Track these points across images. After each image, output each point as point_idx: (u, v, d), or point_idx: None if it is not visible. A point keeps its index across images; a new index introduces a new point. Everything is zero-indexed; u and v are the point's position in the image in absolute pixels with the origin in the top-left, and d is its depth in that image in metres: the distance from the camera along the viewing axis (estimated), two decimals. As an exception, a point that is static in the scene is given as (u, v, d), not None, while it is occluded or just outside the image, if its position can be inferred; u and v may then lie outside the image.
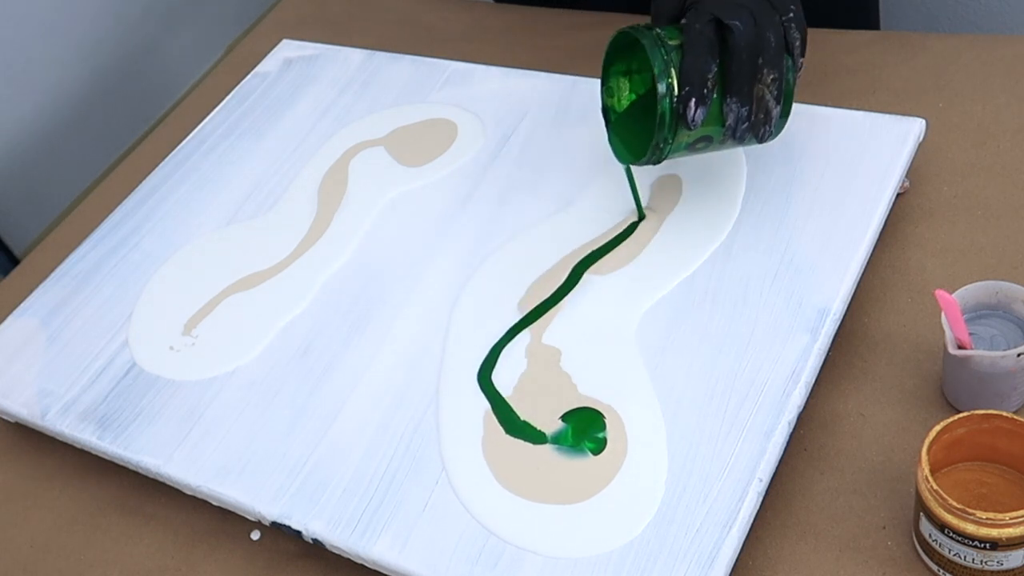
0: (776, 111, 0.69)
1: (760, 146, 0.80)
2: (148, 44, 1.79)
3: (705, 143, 0.71)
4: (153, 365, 0.80)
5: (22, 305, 0.88)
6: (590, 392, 0.70)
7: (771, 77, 0.67)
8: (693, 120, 0.68)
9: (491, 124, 0.91)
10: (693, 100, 0.67)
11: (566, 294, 0.76)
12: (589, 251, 0.78)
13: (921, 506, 0.59)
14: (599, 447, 0.67)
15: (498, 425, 0.70)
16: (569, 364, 0.72)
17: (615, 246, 0.78)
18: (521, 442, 0.68)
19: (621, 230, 0.79)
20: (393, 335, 0.77)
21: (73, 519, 0.79)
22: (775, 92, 0.68)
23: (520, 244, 0.80)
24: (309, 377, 0.76)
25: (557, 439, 0.68)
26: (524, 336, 0.74)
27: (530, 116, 0.90)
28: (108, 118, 1.73)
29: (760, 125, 0.69)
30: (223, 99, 1.03)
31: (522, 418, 0.70)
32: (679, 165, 0.82)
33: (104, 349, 0.82)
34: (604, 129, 0.77)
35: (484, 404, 0.71)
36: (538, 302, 0.76)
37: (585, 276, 0.76)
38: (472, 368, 0.73)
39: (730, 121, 0.69)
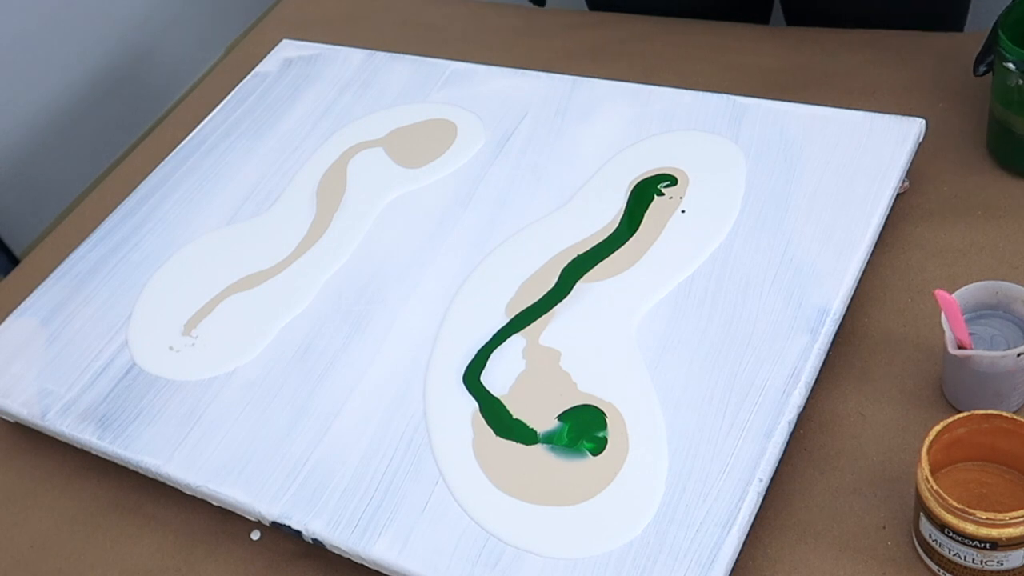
0: None
1: (759, 146, 0.80)
2: (148, 44, 1.79)
3: None
4: (153, 365, 0.80)
5: (22, 305, 0.88)
6: (590, 389, 0.70)
7: None
8: None
9: (491, 124, 0.91)
10: None
11: (562, 297, 0.76)
12: (583, 251, 0.78)
13: (921, 506, 0.59)
14: (599, 447, 0.67)
15: (488, 427, 0.70)
16: (569, 364, 0.72)
17: (610, 251, 0.78)
18: (514, 444, 0.68)
19: (613, 231, 0.79)
20: (393, 335, 0.77)
21: (73, 519, 0.79)
22: None
23: (516, 244, 0.80)
24: (309, 377, 0.76)
25: (551, 438, 0.68)
26: (523, 337, 0.74)
27: (530, 116, 0.90)
28: (108, 118, 1.73)
29: None
30: (223, 99, 1.03)
31: (516, 416, 0.70)
32: (679, 165, 0.82)
33: (104, 349, 0.82)
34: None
35: (472, 406, 0.71)
36: (527, 303, 0.76)
37: (584, 283, 0.76)
38: (460, 370, 0.73)
39: None
